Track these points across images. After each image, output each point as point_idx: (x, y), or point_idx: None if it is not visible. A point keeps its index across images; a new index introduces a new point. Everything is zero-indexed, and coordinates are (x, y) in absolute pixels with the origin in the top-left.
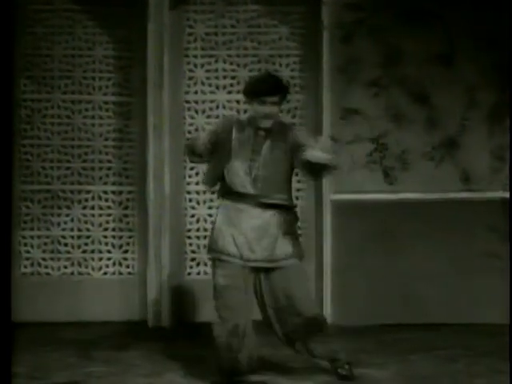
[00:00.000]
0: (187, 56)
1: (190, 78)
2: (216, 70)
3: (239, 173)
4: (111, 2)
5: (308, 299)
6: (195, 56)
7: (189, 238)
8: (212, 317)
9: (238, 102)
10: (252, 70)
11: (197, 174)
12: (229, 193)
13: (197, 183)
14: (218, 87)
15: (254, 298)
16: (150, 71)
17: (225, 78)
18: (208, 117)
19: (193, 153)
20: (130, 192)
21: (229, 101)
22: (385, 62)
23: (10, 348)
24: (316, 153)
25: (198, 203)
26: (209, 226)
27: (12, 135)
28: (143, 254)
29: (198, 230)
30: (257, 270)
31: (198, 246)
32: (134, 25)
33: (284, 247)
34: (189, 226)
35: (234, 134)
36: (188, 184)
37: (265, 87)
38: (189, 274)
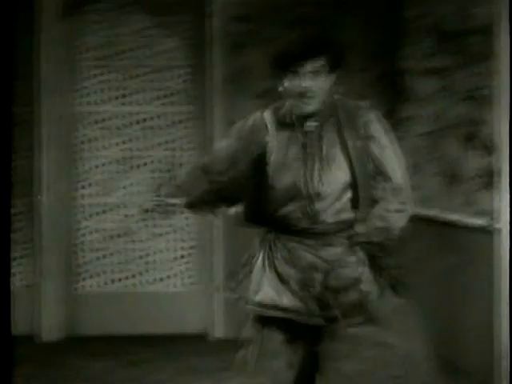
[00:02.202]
0: (79, 67)
1: (82, 89)
2: (108, 81)
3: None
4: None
5: None
6: (87, 66)
7: (81, 250)
8: (103, 330)
9: (130, 113)
10: (144, 81)
11: (89, 185)
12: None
13: (89, 195)
14: (110, 98)
15: None
16: (43, 82)
17: (117, 89)
18: (101, 128)
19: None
20: (20, 205)
21: (121, 112)
22: (275, 73)
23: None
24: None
25: (90, 215)
26: (101, 238)
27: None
28: (35, 266)
29: (90, 242)
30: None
31: (91, 259)
32: (24, 34)
33: None
34: (81, 239)
35: (270, 136)
36: (81, 196)
37: (300, 47)
38: (80, 287)
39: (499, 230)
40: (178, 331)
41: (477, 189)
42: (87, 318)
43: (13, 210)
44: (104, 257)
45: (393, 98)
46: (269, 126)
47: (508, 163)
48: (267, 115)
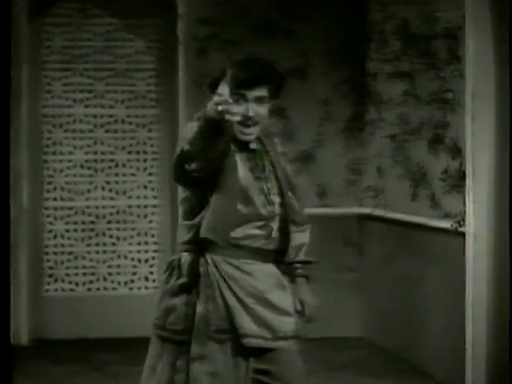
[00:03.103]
0: (45, 69)
1: (48, 92)
2: (73, 84)
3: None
4: None
5: None
6: (52, 69)
7: (46, 253)
8: (70, 333)
9: (94, 116)
10: (109, 84)
11: (54, 188)
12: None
13: (54, 198)
14: (75, 101)
15: None
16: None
17: (82, 91)
18: (65, 131)
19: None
20: None
21: (86, 115)
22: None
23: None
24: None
25: (55, 219)
26: (66, 241)
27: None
28: None
29: (55, 245)
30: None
31: (56, 262)
32: None
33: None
34: (46, 242)
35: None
36: (46, 199)
37: (244, 74)
38: (46, 290)
39: (465, 233)
40: (144, 334)
41: (442, 191)
42: (54, 322)
43: None
44: (69, 260)
45: (358, 102)
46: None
47: (472, 166)
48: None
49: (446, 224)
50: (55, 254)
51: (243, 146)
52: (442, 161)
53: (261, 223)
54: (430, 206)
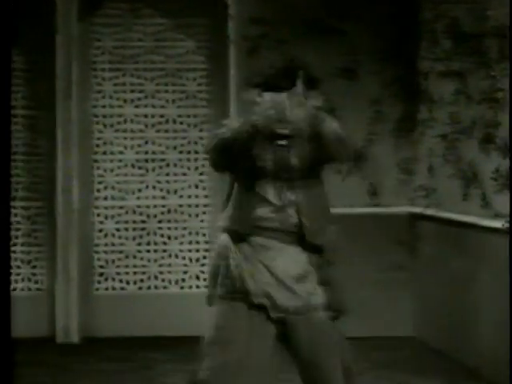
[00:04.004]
0: (95, 69)
1: (98, 92)
2: (124, 84)
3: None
4: (17, 14)
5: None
6: (103, 69)
7: (97, 252)
8: (119, 331)
9: (145, 115)
10: (159, 84)
11: (105, 188)
12: (247, 221)
13: (105, 198)
14: (125, 101)
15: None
16: (58, 84)
17: (132, 91)
18: (116, 131)
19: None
20: (38, 207)
21: (137, 115)
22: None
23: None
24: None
25: (106, 218)
26: (117, 240)
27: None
28: (52, 269)
29: (105, 244)
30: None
31: (106, 261)
32: (41, 37)
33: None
34: (97, 241)
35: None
36: (96, 198)
37: (284, 82)
38: (97, 289)
39: None
40: (194, 333)
41: (493, 191)
42: (104, 320)
43: (29, 213)
44: (119, 259)
45: (409, 101)
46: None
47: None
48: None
49: (496, 223)
50: (106, 252)
51: (274, 140)
52: (493, 160)
53: (277, 208)
54: (480, 206)
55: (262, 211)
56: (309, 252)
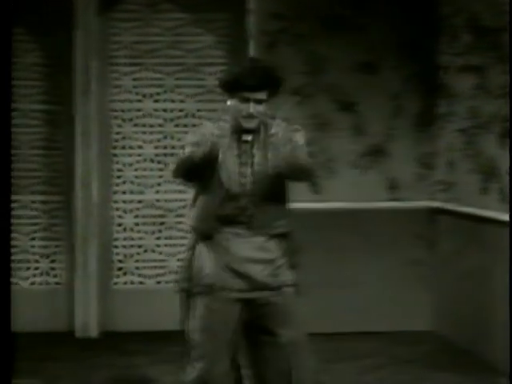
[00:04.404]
0: (114, 64)
1: (117, 86)
2: (142, 79)
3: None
4: (38, 9)
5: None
6: (122, 64)
7: (116, 247)
8: (138, 326)
9: (164, 110)
10: (178, 79)
11: (124, 182)
12: (212, 219)
13: (124, 192)
14: (144, 96)
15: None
16: (77, 79)
17: (151, 86)
18: (135, 125)
19: (191, 166)
20: (57, 201)
21: (155, 109)
22: (310, 69)
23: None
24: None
25: (124, 212)
26: (135, 235)
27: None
28: (71, 263)
29: (124, 239)
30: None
31: (125, 256)
32: (60, 32)
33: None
34: (116, 235)
35: (221, 143)
36: (115, 193)
37: (249, 81)
38: (115, 283)
39: None
40: None
41: None
42: (123, 315)
43: (48, 207)
44: (138, 253)
45: (428, 95)
46: (220, 138)
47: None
48: (219, 129)
49: None
50: (124, 247)
51: (239, 138)
52: None
53: (239, 204)
54: (500, 200)
55: (228, 208)
56: (276, 239)
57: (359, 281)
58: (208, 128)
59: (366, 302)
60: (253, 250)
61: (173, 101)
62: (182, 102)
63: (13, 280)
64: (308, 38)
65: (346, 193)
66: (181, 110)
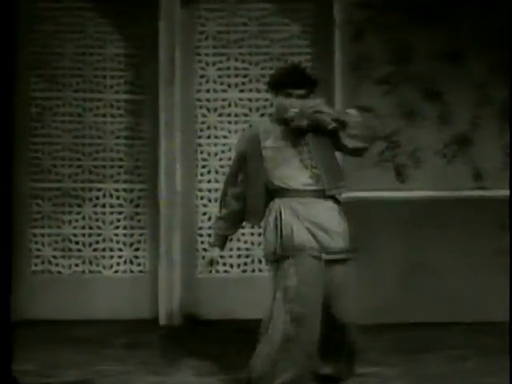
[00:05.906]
0: (199, 54)
1: (202, 76)
2: (228, 68)
3: (292, 173)
4: (123, 0)
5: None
6: (207, 54)
7: (200, 235)
8: (222, 314)
9: (250, 100)
10: (264, 68)
11: (209, 172)
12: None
13: (208, 181)
14: (229, 85)
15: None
16: (162, 69)
17: (236, 76)
18: (220, 115)
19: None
20: (141, 190)
21: (241, 99)
22: (396, 59)
23: (10, 347)
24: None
25: (209, 201)
26: None
27: (13, 133)
28: (154, 251)
29: (209, 228)
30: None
31: (210, 244)
32: (145, 22)
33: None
34: (200, 224)
35: (263, 143)
36: (199, 182)
37: (291, 79)
38: (200, 272)
39: None
40: None
41: None
42: (206, 303)
43: (132, 196)
44: None
45: None
46: (260, 139)
47: None
48: (256, 134)
49: None
50: (209, 236)
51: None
52: None
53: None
54: None
55: (300, 177)
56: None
57: (445, 271)
58: (246, 133)
59: (453, 292)
60: (327, 215)
61: (258, 90)
62: (266, 91)
63: (96, 268)
64: (394, 27)
65: (431, 182)
66: (266, 100)
